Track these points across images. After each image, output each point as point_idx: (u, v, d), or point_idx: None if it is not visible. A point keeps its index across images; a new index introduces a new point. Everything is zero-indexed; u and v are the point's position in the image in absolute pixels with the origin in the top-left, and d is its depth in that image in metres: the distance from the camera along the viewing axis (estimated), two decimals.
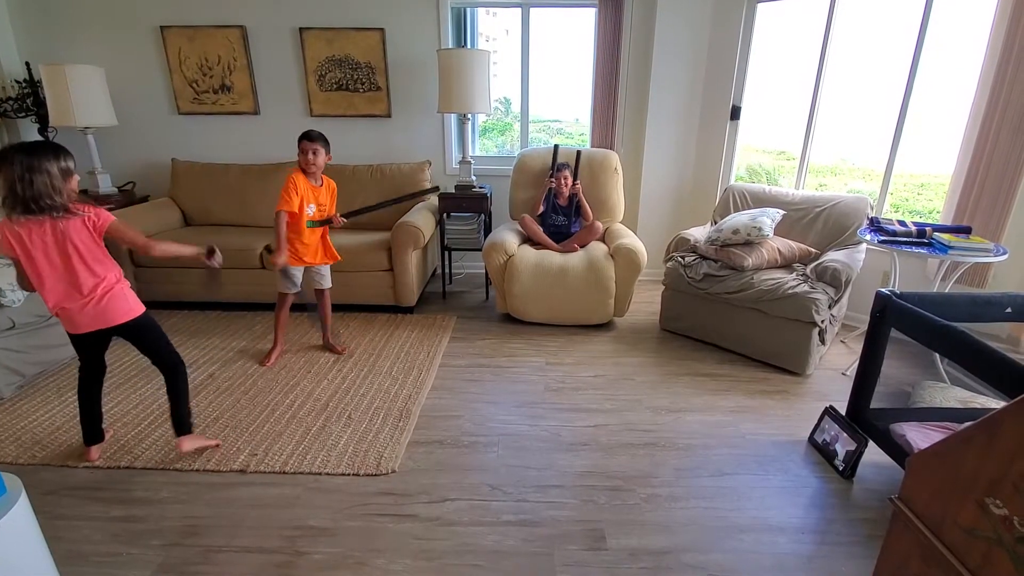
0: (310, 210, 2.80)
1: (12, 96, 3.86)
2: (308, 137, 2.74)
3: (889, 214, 3.60)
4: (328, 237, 2.99)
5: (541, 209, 3.67)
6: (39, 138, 4.00)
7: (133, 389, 2.69)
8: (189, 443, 2.15)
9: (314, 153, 2.72)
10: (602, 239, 3.70)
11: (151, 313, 2.06)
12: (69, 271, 1.83)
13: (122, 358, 2.98)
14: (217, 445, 2.26)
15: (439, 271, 4.35)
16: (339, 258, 3.04)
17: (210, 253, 2.17)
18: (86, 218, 1.83)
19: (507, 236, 3.49)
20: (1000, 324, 3.02)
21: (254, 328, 3.42)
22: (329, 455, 2.21)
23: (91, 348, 2.04)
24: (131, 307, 1.97)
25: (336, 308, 3.34)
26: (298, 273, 2.93)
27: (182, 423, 2.13)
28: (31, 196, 1.70)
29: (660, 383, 2.85)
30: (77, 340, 1.99)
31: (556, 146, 3.82)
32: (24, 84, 3.89)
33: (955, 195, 3.05)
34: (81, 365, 2.08)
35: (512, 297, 3.41)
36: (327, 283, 3.05)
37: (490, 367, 3.00)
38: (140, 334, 2.02)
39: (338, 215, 2.91)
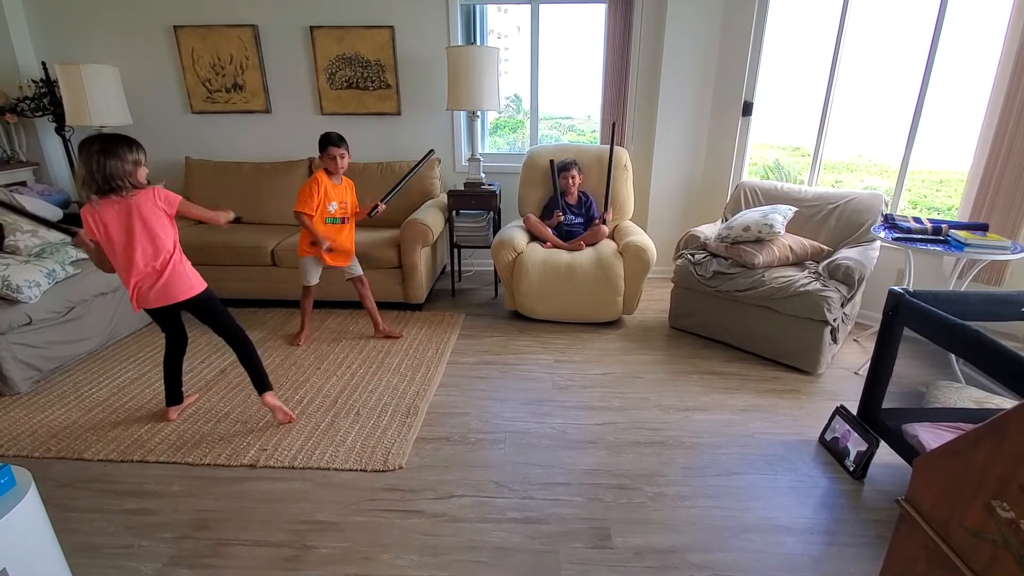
0: (332, 207, 2.93)
1: (29, 96, 3.92)
2: (336, 142, 2.85)
3: (906, 211, 3.55)
4: (352, 236, 3.09)
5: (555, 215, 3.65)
6: (57, 137, 4.08)
7: (147, 384, 2.74)
8: (272, 398, 2.38)
9: (342, 157, 2.87)
10: (611, 236, 3.68)
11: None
12: (140, 241, 2.04)
13: (136, 354, 3.04)
14: (291, 420, 2.44)
15: (448, 268, 4.36)
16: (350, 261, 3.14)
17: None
18: (155, 193, 2.06)
19: (516, 233, 3.49)
20: (1016, 323, 2.96)
21: (265, 324, 3.45)
22: (337, 451, 2.23)
23: (166, 321, 2.32)
24: (192, 284, 2.20)
25: (346, 305, 3.37)
26: (319, 269, 3.08)
27: (262, 383, 2.36)
28: (105, 176, 1.94)
29: (668, 381, 2.83)
30: (152, 313, 2.24)
31: (552, 161, 3.69)
32: (40, 84, 3.94)
33: (972, 192, 3.00)
34: (166, 338, 2.37)
35: (520, 294, 3.41)
36: (357, 271, 3.16)
37: (498, 364, 3.00)
38: (202, 309, 2.26)
39: (380, 202, 3.04)
